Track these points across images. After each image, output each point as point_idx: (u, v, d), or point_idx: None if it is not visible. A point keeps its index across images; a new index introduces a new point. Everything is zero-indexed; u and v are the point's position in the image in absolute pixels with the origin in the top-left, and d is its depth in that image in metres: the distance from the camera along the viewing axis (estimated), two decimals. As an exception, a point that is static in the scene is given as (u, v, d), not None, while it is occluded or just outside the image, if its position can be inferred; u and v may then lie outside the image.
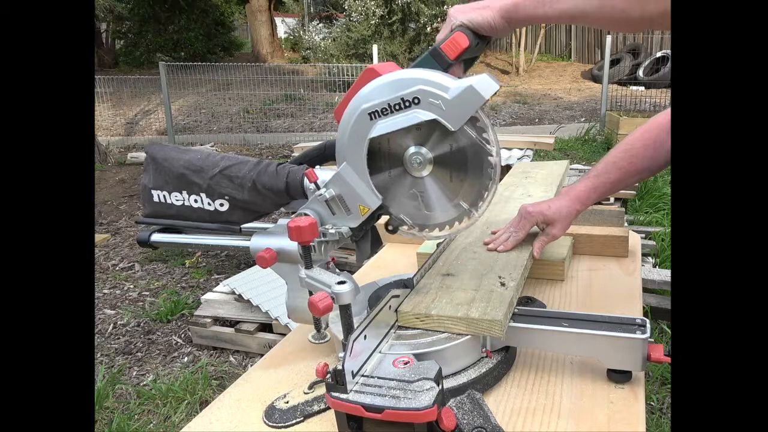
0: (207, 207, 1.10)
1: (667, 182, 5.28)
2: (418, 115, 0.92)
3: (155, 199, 1.13)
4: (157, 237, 1.17)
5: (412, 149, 0.98)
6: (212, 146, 8.46)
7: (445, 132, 0.94)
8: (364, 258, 1.11)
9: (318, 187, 1.01)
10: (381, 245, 1.13)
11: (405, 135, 0.97)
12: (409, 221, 1.04)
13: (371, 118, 0.95)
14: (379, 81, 0.95)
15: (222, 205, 1.09)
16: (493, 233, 1.35)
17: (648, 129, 1.29)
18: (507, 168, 2.52)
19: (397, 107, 0.93)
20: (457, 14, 1.01)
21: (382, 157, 1.00)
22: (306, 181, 1.03)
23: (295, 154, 5.10)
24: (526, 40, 14.12)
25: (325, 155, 1.08)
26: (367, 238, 1.08)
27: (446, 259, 1.24)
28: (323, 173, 1.03)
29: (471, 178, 0.98)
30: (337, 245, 1.06)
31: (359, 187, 1.00)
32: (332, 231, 1.02)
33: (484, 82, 0.90)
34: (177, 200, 1.11)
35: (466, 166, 0.97)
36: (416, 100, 0.92)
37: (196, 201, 1.10)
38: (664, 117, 1.28)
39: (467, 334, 0.97)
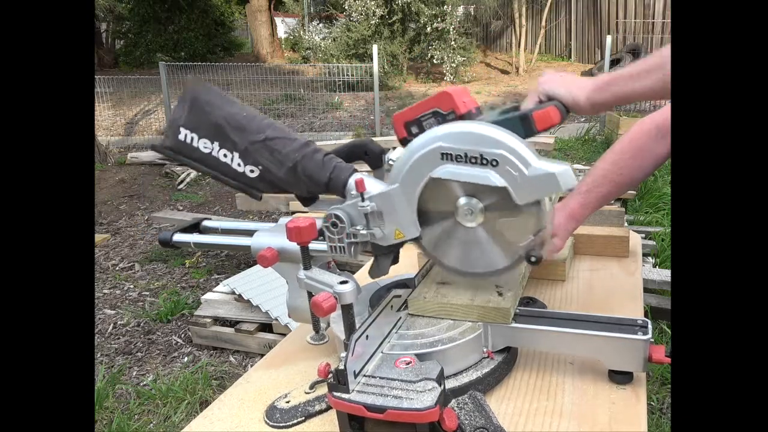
0: (236, 167, 1.05)
1: (667, 182, 5.28)
2: (490, 177, 0.91)
3: (181, 136, 1.05)
4: (179, 237, 1.13)
5: (463, 199, 0.98)
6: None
7: (508, 200, 0.93)
8: (381, 274, 1.08)
9: (363, 198, 0.98)
10: (397, 263, 1.10)
11: (464, 186, 0.96)
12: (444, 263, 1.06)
13: (442, 159, 0.94)
14: (462, 127, 0.94)
15: (252, 172, 1.05)
16: None
17: (634, 138, 1.26)
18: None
19: (473, 160, 0.92)
20: (549, 85, 1.03)
21: (432, 196, 0.98)
22: (351, 183, 1.00)
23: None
24: (526, 40, 14.10)
25: (351, 154, 1.07)
26: (389, 257, 1.06)
27: None
28: (371, 184, 1.00)
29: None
30: (366, 246, 1.03)
31: (403, 214, 0.99)
32: (363, 232, 1.00)
33: (566, 176, 0.89)
34: (205, 147, 1.05)
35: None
36: (494, 162, 0.91)
37: (225, 156, 1.05)
38: (650, 121, 1.27)
39: (469, 336, 0.97)
